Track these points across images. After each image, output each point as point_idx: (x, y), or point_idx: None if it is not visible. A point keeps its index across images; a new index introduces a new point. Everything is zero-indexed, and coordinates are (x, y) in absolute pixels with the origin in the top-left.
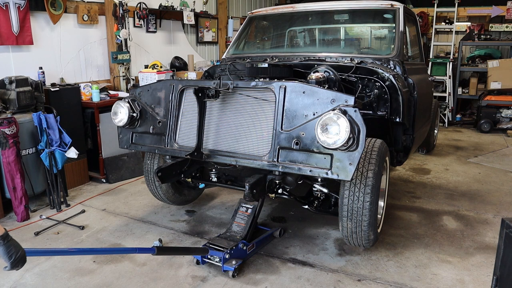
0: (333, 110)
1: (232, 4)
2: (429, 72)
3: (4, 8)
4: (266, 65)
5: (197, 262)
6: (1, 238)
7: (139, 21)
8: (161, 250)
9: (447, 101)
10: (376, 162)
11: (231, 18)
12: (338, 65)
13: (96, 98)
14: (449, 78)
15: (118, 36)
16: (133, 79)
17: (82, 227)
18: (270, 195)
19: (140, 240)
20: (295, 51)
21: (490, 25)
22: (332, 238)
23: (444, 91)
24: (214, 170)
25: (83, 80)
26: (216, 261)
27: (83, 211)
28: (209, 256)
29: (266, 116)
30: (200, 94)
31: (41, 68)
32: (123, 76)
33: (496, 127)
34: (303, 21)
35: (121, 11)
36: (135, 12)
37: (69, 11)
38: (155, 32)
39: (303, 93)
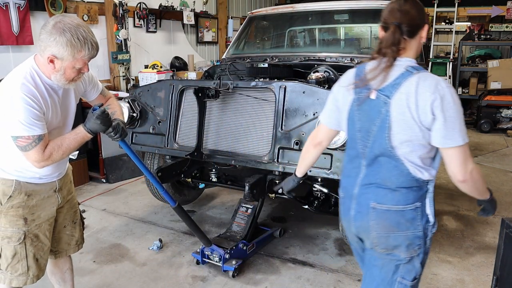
0: None
1: (232, 4)
2: (429, 72)
3: (4, 8)
4: (266, 65)
5: (197, 262)
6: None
7: (139, 21)
8: (181, 209)
9: None
10: None
11: (231, 18)
12: (338, 65)
13: None
14: (449, 78)
15: (118, 36)
16: (133, 79)
17: None
18: (270, 195)
19: (140, 240)
20: (295, 51)
21: (490, 25)
22: (332, 238)
23: None
24: (214, 170)
25: None
26: (216, 261)
27: (83, 211)
28: (209, 256)
29: (266, 116)
30: (200, 94)
31: None
32: (123, 76)
33: (496, 127)
34: (303, 21)
35: (121, 11)
36: (135, 12)
37: (69, 11)
38: (155, 32)
39: (303, 93)
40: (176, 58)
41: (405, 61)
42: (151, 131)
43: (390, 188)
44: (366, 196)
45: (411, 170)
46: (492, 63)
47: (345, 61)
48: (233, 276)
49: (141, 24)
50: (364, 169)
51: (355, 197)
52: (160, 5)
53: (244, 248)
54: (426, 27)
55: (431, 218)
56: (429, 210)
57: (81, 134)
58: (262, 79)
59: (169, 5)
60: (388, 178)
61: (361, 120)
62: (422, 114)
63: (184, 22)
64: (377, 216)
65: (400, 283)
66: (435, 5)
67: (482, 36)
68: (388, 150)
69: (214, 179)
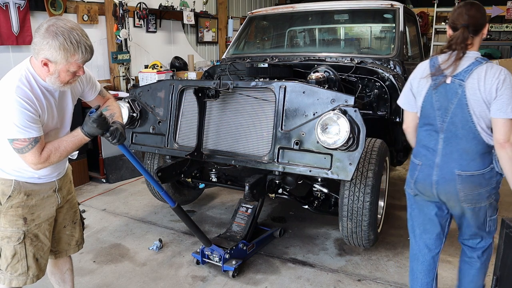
0: (333, 110)
1: (232, 4)
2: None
3: (4, 8)
4: (266, 65)
5: (197, 262)
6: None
7: (139, 21)
8: (180, 209)
9: None
10: (376, 162)
11: (231, 18)
12: (338, 65)
13: None
14: None
15: (118, 36)
16: (133, 79)
17: None
18: (270, 195)
19: (140, 240)
20: (295, 51)
21: (490, 25)
22: (332, 238)
23: None
24: (214, 170)
25: None
26: (216, 261)
27: (83, 211)
28: (209, 256)
29: (266, 116)
30: (200, 94)
31: None
32: (123, 76)
33: None
34: (303, 21)
35: (121, 11)
36: (135, 12)
37: (69, 11)
38: (155, 32)
39: (303, 93)
40: (176, 58)
41: (474, 54)
42: (151, 131)
43: (471, 156)
44: (449, 164)
45: (485, 139)
46: None
47: (345, 61)
48: (233, 276)
49: (141, 24)
50: (442, 141)
51: (437, 165)
52: (160, 5)
53: (244, 248)
54: (487, 25)
55: (502, 171)
56: (497, 167)
57: (79, 137)
58: (262, 79)
59: (169, 5)
60: (468, 147)
61: (439, 101)
62: (488, 95)
63: (184, 22)
64: (462, 181)
65: (490, 220)
66: (435, 5)
67: None
68: (468, 123)
69: (214, 179)
